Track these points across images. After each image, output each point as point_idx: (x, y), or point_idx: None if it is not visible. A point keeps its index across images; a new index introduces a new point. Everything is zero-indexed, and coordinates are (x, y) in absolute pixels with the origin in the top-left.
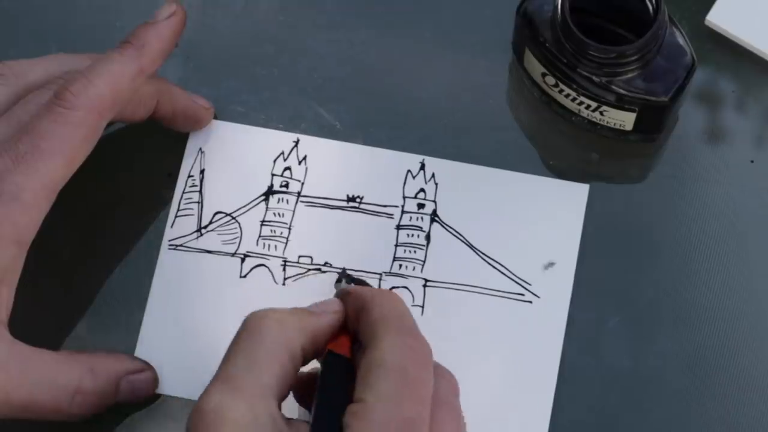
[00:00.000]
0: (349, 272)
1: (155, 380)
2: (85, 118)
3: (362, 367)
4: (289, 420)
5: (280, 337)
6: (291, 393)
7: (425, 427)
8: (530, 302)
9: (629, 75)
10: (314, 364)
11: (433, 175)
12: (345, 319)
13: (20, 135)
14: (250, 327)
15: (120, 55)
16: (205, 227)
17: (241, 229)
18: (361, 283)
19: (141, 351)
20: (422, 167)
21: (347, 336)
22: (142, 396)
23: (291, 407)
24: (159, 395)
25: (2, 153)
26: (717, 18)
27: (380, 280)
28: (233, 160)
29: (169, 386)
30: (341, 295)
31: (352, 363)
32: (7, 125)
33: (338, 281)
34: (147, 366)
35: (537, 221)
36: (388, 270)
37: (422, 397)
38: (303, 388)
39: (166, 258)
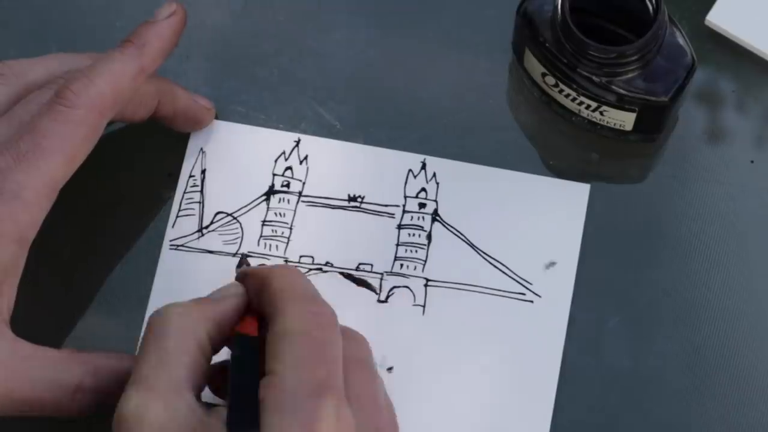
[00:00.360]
0: (248, 257)
1: None
2: (86, 117)
3: (269, 341)
4: (209, 406)
5: (185, 329)
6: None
7: (339, 386)
8: (531, 302)
9: (629, 75)
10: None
11: (434, 175)
12: (249, 301)
13: (21, 134)
14: (154, 325)
15: (121, 54)
16: (207, 227)
17: (242, 229)
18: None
19: None
20: (423, 167)
21: (253, 317)
22: None
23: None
24: None
25: (3, 151)
26: (717, 18)
27: (381, 279)
28: (234, 160)
29: None
30: (241, 278)
31: (262, 342)
32: (8, 125)
33: (239, 266)
34: None
35: (538, 221)
36: (389, 270)
37: (331, 357)
38: (218, 380)
39: (167, 258)
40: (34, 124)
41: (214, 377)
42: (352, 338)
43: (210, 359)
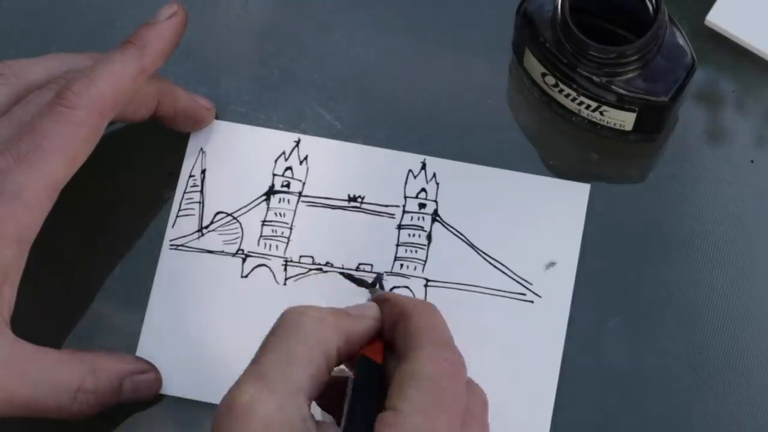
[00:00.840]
0: (382, 279)
1: (159, 381)
2: (87, 118)
3: (397, 377)
4: (317, 422)
5: (318, 336)
6: None
7: None
8: (531, 302)
9: (629, 75)
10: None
11: (434, 175)
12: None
13: (22, 134)
14: (288, 323)
15: (121, 54)
16: (207, 227)
17: (242, 229)
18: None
19: (142, 351)
20: (423, 167)
21: (380, 342)
22: (145, 397)
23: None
24: (159, 395)
25: (4, 152)
26: (717, 18)
27: (381, 279)
28: (234, 160)
29: (169, 386)
30: (378, 301)
31: (384, 370)
32: (9, 125)
33: (372, 285)
34: (151, 367)
35: (538, 221)
36: (389, 270)
37: (455, 410)
38: (327, 394)
39: (167, 258)
40: (35, 125)
41: (325, 390)
42: (473, 392)
43: (331, 371)
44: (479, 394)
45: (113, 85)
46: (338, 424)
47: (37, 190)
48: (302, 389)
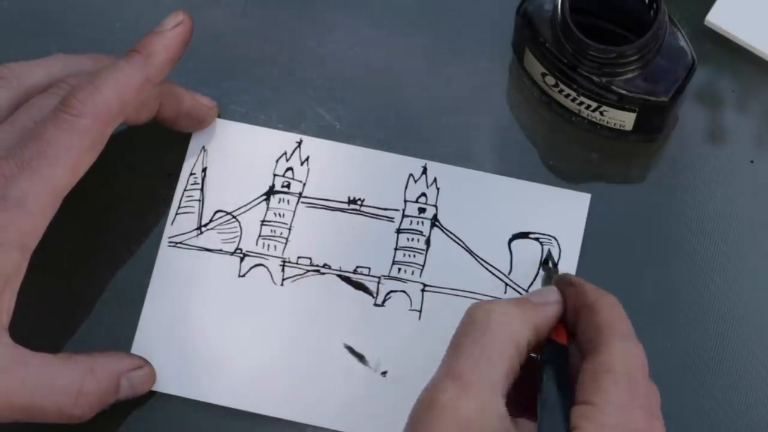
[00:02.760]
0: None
1: (153, 376)
2: (91, 126)
3: (590, 370)
4: (513, 419)
5: (508, 331)
6: None
7: None
8: None
9: (629, 75)
10: None
11: (434, 180)
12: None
13: (26, 141)
14: (478, 321)
15: (127, 63)
16: (206, 225)
17: (241, 228)
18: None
19: (138, 347)
20: (424, 171)
21: (562, 325)
22: (141, 392)
23: None
24: (154, 393)
25: (8, 158)
26: (717, 18)
27: (378, 283)
28: (236, 159)
29: (163, 384)
30: (561, 284)
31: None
32: (11, 130)
33: (545, 263)
34: (144, 362)
35: (538, 229)
36: (386, 273)
37: (647, 405)
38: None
39: (165, 255)
40: (39, 132)
41: None
42: (651, 385)
43: (521, 365)
44: (655, 388)
45: (118, 94)
46: (519, 414)
47: (41, 197)
48: (498, 387)
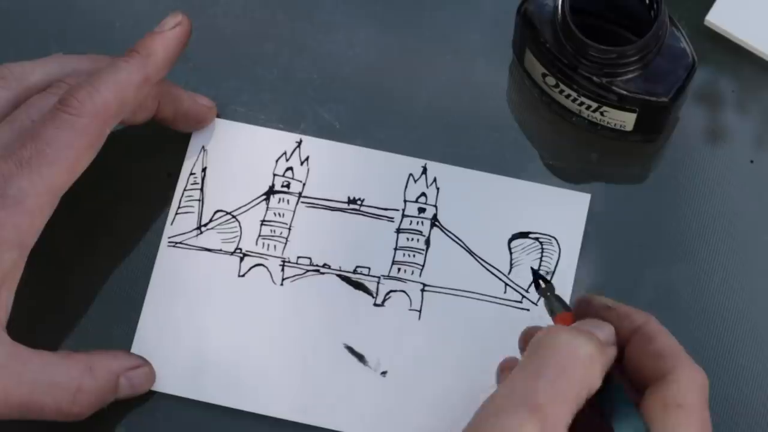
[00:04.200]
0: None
1: (152, 375)
2: (90, 125)
3: (658, 403)
4: None
5: (588, 379)
6: None
7: None
8: (527, 310)
9: (630, 75)
10: None
11: (434, 180)
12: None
13: (25, 140)
14: (562, 356)
15: (126, 63)
16: (205, 225)
17: (240, 228)
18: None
19: (137, 347)
20: (424, 171)
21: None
22: (140, 391)
23: None
24: (154, 393)
25: (6, 157)
26: (717, 18)
27: (378, 283)
28: (235, 159)
29: (163, 384)
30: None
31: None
32: (10, 130)
33: (536, 285)
34: (144, 361)
35: (537, 229)
36: (386, 273)
37: None
38: None
39: (165, 254)
40: (38, 131)
41: None
42: None
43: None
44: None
45: (117, 94)
46: None
47: (39, 196)
48: (566, 426)
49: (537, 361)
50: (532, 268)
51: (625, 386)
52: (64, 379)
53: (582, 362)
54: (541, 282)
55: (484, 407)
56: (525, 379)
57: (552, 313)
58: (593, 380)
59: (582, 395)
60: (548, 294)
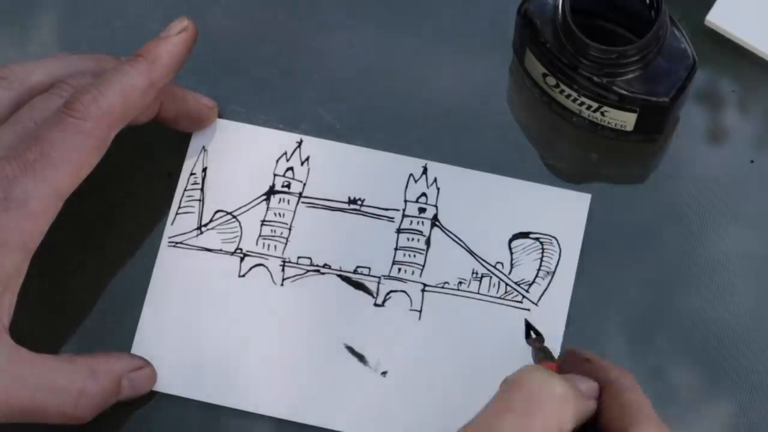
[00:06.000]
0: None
1: (154, 376)
2: (95, 129)
3: None
4: None
5: (559, 420)
6: None
7: None
8: (528, 310)
9: (630, 75)
10: None
11: (435, 180)
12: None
13: (29, 143)
14: (531, 395)
15: (131, 67)
16: (206, 225)
17: (241, 228)
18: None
19: (138, 347)
20: (424, 171)
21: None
22: (142, 392)
23: None
24: (155, 393)
25: (11, 160)
26: (717, 18)
27: (379, 283)
28: (236, 159)
29: (163, 384)
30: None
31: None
32: (13, 131)
33: (527, 335)
34: (146, 362)
35: (537, 229)
36: (386, 273)
37: None
38: None
39: (165, 254)
40: (43, 134)
41: None
42: None
43: None
44: None
45: (122, 98)
46: None
47: (43, 199)
48: None
49: (508, 395)
50: (525, 320)
51: None
52: (67, 382)
53: (553, 401)
54: (532, 333)
55: None
56: (495, 412)
57: (537, 362)
58: (564, 421)
59: None
60: (537, 345)
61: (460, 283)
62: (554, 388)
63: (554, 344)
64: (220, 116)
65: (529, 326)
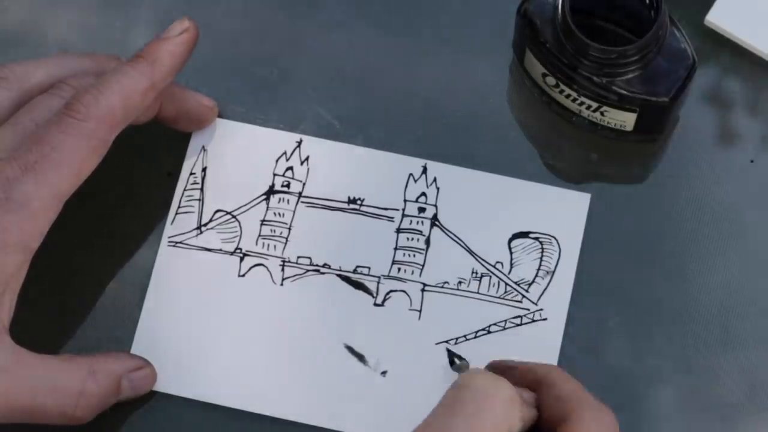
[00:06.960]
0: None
1: (154, 376)
2: (96, 130)
3: None
4: None
5: (507, 418)
6: None
7: None
8: (527, 309)
9: (630, 75)
10: None
11: (434, 180)
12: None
13: (30, 144)
14: (480, 397)
15: (132, 69)
16: (205, 225)
17: (240, 227)
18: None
19: (138, 347)
20: (424, 171)
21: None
22: (142, 392)
23: None
24: (154, 393)
25: (11, 161)
26: (717, 18)
27: (378, 283)
28: (236, 159)
29: (163, 384)
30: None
31: None
32: (13, 132)
33: (451, 363)
34: (145, 362)
35: (537, 229)
36: (386, 273)
37: None
38: None
39: (165, 254)
40: (43, 135)
41: None
42: None
43: None
44: None
45: (123, 99)
46: None
47: (43, 200)
48: None
49: (459, 397)
50: (447, 349)
51: None
52: (67, 383)
53: (501, 402)
54: (456, 360)
55: None
56: (443, 415)
57: None
58: (513, 424)
59: None
60: (465, 370)
61: (460, 282)
62: (503, 390)
63: (554, 344)
64: (220, 116)
65: (452, 354)
